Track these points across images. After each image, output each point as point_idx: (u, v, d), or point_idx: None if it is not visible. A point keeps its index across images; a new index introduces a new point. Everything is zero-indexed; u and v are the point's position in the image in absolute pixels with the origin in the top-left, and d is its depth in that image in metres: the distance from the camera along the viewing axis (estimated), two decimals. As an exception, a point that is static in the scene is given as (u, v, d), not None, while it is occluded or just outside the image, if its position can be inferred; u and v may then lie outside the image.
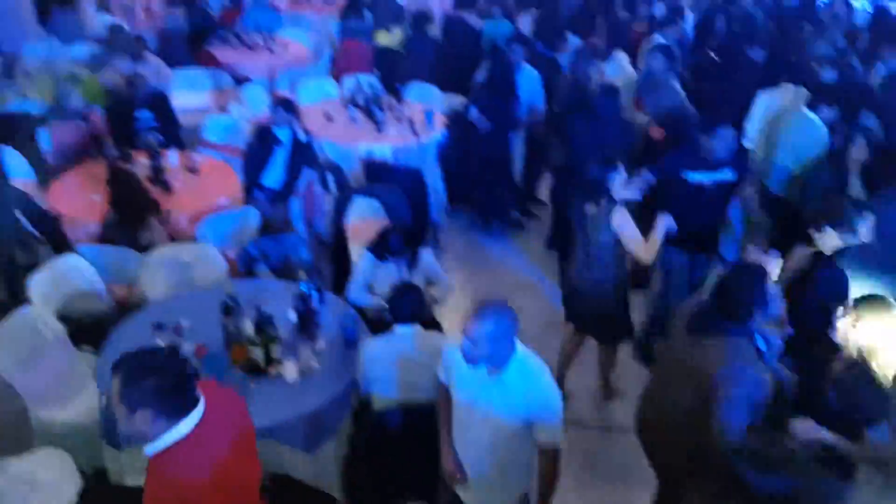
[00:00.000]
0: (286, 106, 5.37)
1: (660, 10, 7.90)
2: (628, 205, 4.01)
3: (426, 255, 4.22)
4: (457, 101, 6.52)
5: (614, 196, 3.94)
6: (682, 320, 3.07)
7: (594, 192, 3.97)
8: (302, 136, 5.44)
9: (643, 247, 3.92)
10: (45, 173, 5.31)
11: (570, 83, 5.99)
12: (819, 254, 3.57)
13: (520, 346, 2.68)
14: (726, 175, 4.37)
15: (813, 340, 3.17)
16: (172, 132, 5.86)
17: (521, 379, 2.64)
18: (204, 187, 5.14)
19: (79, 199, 4.87)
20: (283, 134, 5.32)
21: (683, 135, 5.00)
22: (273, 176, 5.36)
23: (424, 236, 5.56)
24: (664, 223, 3.93)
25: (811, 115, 4.90)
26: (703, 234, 4.55)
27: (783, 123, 5.06)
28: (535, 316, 4.64)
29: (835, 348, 3.02)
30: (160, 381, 2.03)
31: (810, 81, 5.64)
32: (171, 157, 5.29)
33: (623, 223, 3.91)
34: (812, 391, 2.97)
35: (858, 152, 4.54)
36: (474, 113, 5.88)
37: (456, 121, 6.19)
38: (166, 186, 4.98)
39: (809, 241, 3.70)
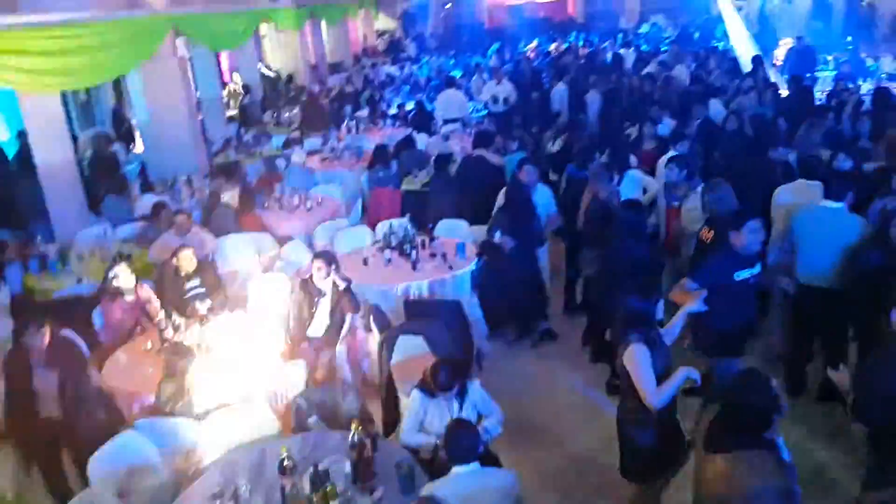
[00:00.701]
0: (325, 258, 5.60)
1: (664, 129, 8.21)
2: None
3: (474, 386, 4.22)
4: (485, 232, 6.72)
5: (646, 328, 3.75)
6: (699, 437, 2.93)
7: (628, 323, 3.77)
8: (341, 284, 5.61)
9: (650, 393, 3.57)
10: (98, 352, 5.51)
11: (594, 200, 6.17)
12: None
13: None
14: (759, 267, 4.40)
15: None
16: (220, 298, 6.09)
17: None
18: (252, 346, 5.24)
19: (132, 374, 4.99)
20: (324, 284, 5.51)
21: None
22: (317, 326, 5.51)
23: (470, 366, 5.56)
24: (683, 374, 3.60)
25: (834, 204, 4.92)
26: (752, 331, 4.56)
27: (805, 217, 5.08)
28: (587, 433, 4.46)
29: None
30: None
31: (826, 172, 5.73)
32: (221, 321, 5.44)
33: (632, 360, 3.63)
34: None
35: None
36: (498, 235, 6.10)
37: (485, 247, 6.37)
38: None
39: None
